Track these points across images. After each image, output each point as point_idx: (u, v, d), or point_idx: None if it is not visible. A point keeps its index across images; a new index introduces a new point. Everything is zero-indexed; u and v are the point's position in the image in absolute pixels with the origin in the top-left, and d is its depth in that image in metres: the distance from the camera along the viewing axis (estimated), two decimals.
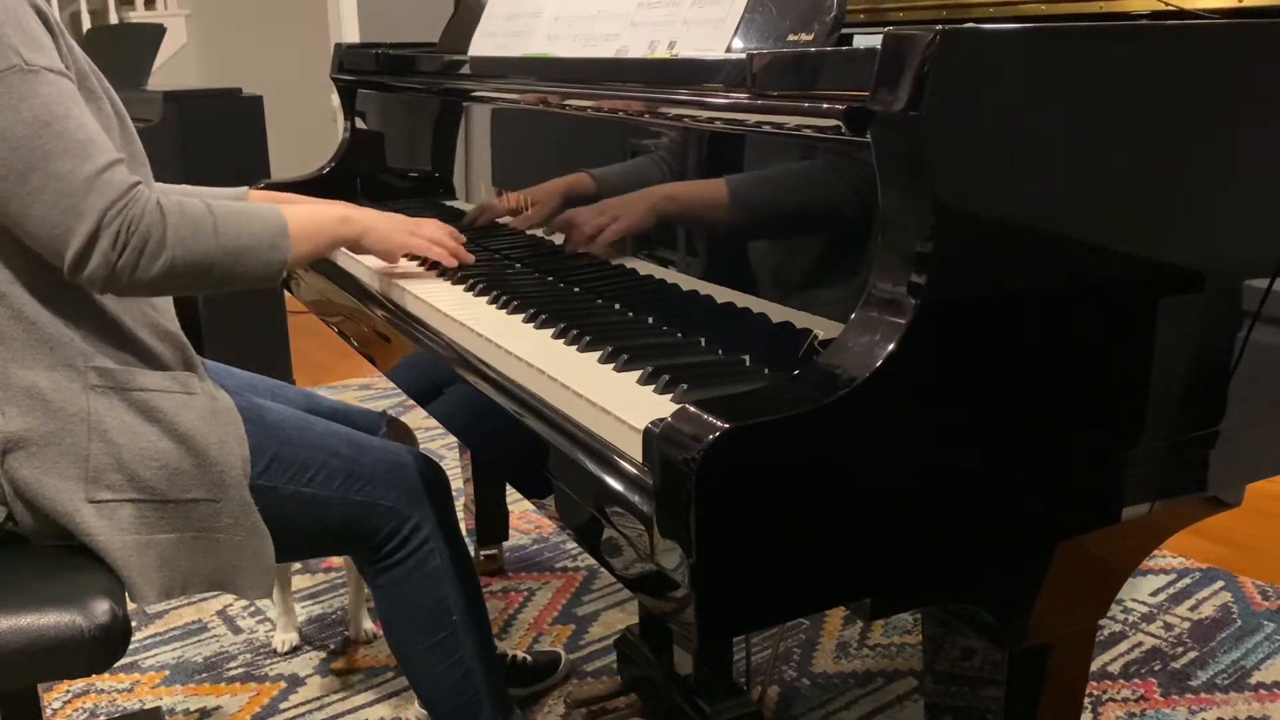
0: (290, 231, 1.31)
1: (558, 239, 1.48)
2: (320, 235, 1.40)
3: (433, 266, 1.57)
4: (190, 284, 1.27)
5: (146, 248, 1.19)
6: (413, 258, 1.61)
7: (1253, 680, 1.98)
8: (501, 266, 1.58)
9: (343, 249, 1.59)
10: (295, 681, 2.01)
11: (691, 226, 1.25)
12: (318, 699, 1.96)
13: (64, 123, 1.18)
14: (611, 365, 1.12)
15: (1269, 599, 2.27)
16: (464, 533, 1.57)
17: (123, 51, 3.58)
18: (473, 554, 2.35)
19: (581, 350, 1.18)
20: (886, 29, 0.87)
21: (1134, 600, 2.27)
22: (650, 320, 1.28)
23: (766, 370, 1.08)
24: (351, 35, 5.33)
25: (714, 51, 1.21)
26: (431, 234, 1.52)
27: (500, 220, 1.64)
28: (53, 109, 1.17)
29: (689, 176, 1.25)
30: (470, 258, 1.54)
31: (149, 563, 1.27)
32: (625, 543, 0.91)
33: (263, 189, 1.99)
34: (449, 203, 1.84)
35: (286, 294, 1.98)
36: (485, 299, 1.41)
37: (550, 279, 1.48)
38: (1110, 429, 1.00)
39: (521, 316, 1.32)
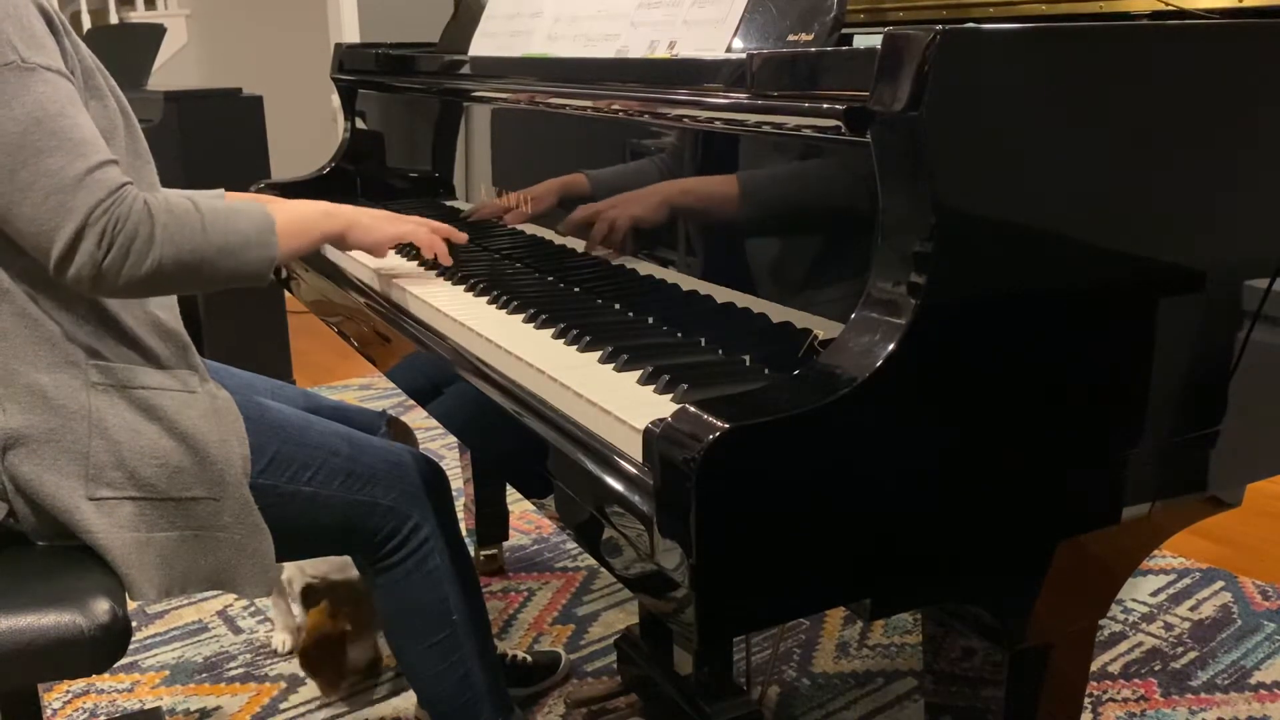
0: (278, 228, 1.31)
1: (558, 239, 1.48)
2: (307, 231, 1.41)
3: (432, 266, 1.57)
4: (180, 283, 1.26)
5: (134, 246, 1.19)
6: (411, 257, 1.61)
7: (1253, 680, 1.98)
8: (501, 266, 1.58)
9: (333, 248, 1.59)
10: (295, 681, 2.01)
11: (693, 225, 1.25)
12: (318, 699, 1.96)
13: (57, 121, 1.17)
14: (611, 365, 1.12)
15: (1269, 599, 2.27)
16: (464, 533, 1.57)
17: (123, 51, 3.58)
18: (473, 554, 2.35)
19: (581, 350, 1.18)
20: (886, 29, 0.87)
21: (1134, 600, 2.27)
22: (650, 320, 1.28)
23: (766, 370, 1.08)
24: (351, 35, 5.33)
25: (714, 51, 1.21)
26: (416, 225, 1.52)
27: (497, 216, 1.64)
28: (47, 107, 1.17)
29: (687, 176, 1.24)
30: (463, 237, 1.55)
31: (149, 560, 1.27)
32: (625, 543, 0.91)
33: (262, 189, 1.99)
34: (449, 203, 1.84)
35: (286, 294, 1.98)
36: (485, 299, 1.41)
37: (550, 279, 1.48)
38: (1110, 429, 1.00)
39: (521, 316, 1.32)
